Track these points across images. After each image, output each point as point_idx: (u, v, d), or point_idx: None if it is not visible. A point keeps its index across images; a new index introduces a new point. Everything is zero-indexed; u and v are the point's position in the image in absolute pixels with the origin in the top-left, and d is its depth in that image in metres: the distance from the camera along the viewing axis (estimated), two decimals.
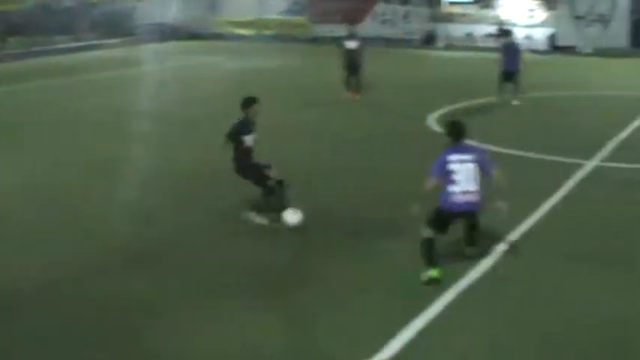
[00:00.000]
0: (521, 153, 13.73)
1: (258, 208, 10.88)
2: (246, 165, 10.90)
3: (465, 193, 8.78)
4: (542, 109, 19.95)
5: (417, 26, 40.30)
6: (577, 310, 7.89)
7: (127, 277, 9.01)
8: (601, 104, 21.06)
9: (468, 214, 8.98)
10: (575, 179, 12.86)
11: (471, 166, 8.84)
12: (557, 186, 12.33)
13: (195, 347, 7.28)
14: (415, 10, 40.78)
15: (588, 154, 14.39)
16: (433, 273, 8.65)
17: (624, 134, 16.59)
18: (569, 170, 13.29)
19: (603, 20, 37.11)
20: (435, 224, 8.83)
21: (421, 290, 8.42)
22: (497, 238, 9.86)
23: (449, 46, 37.59)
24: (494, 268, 9.11)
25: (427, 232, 8.81)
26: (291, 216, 10.62)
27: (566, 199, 11.84)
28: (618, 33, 36.17)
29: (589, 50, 36.69)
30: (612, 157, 14.53)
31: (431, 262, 8.72)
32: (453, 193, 8.78)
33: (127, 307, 8.13)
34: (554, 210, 11.33)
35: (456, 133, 9.10)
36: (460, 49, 35.93)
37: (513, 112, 19.38)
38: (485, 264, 9.18)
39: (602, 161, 14.19)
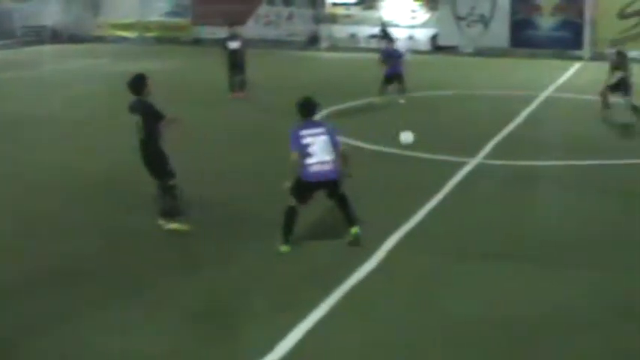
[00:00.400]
0: (404, 152, 13.65)
1: (165, 213, 10.40)
2: (158, 149, 10.14)
3: (322, 163, 9.41)
4: (425, 109, 20.03)
5: (300, 28, 40.20)
6: (462, 310, 7.73)
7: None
8: (483, 103, 21.32)
9: (328, 183, 9.55)
10: (459, 177, 12.82)
11: (323, 137, 9.49)
12: (441, 184, 12.25)
13: None
14: (298, 12, 40.67)
15: (471, 152, 14.42)
16: (284, 248, 9.38)
17: (506, 132, 16.77)
18: (453, 168, 13.26)
19: (484, 21, 37.87)
20: (296, 193, 9.44)
21: (306, 292, 8.16)
22: (381, 238, 9.69)
23: (332, 48, 37.65)
24: (379, 267, 8.90)
25: (290, 201, 9.45)
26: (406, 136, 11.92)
27: (450, 197, 11.76)
28: (499, 33, 36.97)
29: (470, 50, 37.38)
30: (495, 154, 14.60)
31: (286, 233, 9.44)
32: (310, 164, 9.40)
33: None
34: (438, 208, 11.22)
35: (306, 110, 9.75)
36: (344, 51, 36.06)
37: (396, 112, 19.35)
38: (370, 263, 8.97)
39: (485, 159, 14.24)
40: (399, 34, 39.27)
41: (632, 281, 8.54)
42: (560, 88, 23.65)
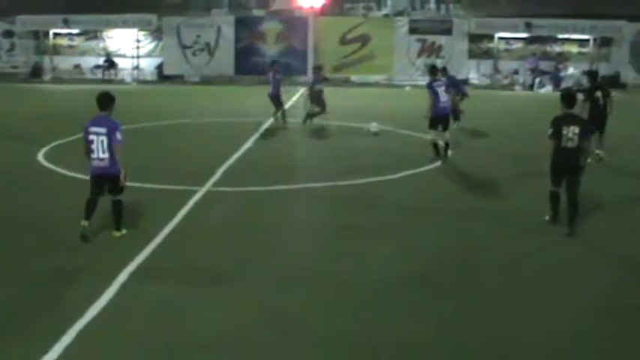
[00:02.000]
0: (134, 184, 13.34)
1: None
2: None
3: (100, 159, 10.51)
4: (153, 139, 19.80)
5: (22, 59, 38.58)
6: (194, 335, 7.61)
7: None
8: (211, 131, 21.46)
9: (104, 178, 10.63)
10: (189, 206, 12.71)
11: (102, 137, 10.47)
12: (172, 214, 12.02)
13: None
14: (20, 43, 38.99)
15: (201, 181, 14.39)
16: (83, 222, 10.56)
17: (235, 158, 16.94)
18: (183, 197, 13.09)
19: (209, 49, 38.29)
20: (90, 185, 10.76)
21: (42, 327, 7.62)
22: (112, 273, 9.32)
23: (56, 79, 36.37)
24: (111, 303, 8.50)
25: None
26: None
27: (181, 226, 11.58)
28: (224, 61, 37.59)
29: (197, 79, 37.66)
30: (224, 181, 14.66)
31: (86, 216, 10.60)
32: (92, 159, 10.56)
33: None
34: (170, 238, 10.98)
35: (99, 104, 10.76)
36: (68, 82, 34.88)
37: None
38: (102, 300, 8.56)
39: (214, 186, 14.25)
40: (124, 64, 38.84)
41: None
42: (287, 114, 24.39)
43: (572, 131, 11.23)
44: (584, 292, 9.01)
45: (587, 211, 12.18)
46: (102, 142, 10.49)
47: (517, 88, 37.38)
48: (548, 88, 36.04)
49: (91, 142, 10.52)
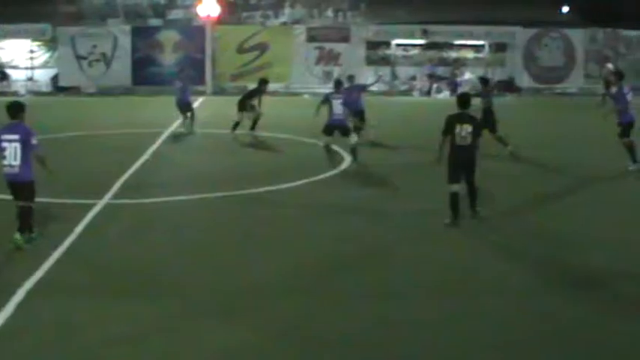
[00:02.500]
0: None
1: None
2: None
3: (11, 166, 10.73)
4: (48, 152, 19.23)
5: None
6: (109, 351, 7.52)
7: None
8: (109, 143, 21.11)
9: (16, 185, 10.88)
10: (87, 219, 12.50)
11: (15, 144, 10.67)
12: (70, 228, 11.84)
13: None
14: None
15: (99, 194, 14.16)
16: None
17: (133, 170, 16.76)
18: (81, 211, 12.87)
19: (106, 59, 37.66)
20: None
21: None
22: (10, 291, 9.08)
23: None
24: (10, 321, 8.32)
25: None
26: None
27: (80, 240, 11.39)
28: (121, 72, 37.04)
29: (93, 90, 36.98)
30: (123, 193, 14.49)
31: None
32: (4, 166, 10.76)
33: None
34: (69, 252, 10.82)
35: (9, 112, 10.96)
36: None
37: None
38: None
39: (113, 199, 14.06)
40: (17, 75, 37.84)
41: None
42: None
43: (465, 129, 11.93)
44: (492, 294, 9.26)
45: (490, 213, 12.68)
46: (15, 148, 10.69)
47: (415, 93, 38.07)
48: (445, 94, 36.79)
49: (4, 149, 10.73)
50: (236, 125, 21.67)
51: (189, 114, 22.68)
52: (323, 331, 8.06)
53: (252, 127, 21.66)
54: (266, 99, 22.40)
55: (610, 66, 37.90)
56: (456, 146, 11.98)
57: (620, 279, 9.90)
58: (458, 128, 11.94)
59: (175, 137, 21.97)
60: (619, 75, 18.37)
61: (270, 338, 7.92)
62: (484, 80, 20.83)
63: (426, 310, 8.72)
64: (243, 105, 21.70)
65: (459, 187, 12.21)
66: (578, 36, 40.93)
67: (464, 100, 12.39)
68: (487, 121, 17.48)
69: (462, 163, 12.07)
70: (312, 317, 8.48)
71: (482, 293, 9.29)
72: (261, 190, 14.89)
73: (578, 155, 18.85)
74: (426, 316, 8.49)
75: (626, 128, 17.07)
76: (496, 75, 39.69)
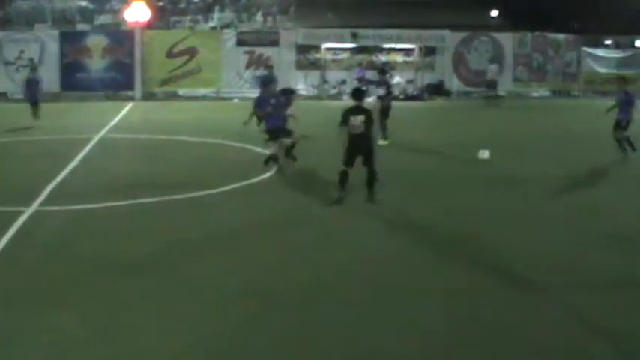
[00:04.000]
0: None
1: None
2: None
3: None
4: None
5: None
6: None
7: None
8: (37, 149, 21.01)
9: None
10: (15, 227, 12.40)
11: None
12: None
13: None
14: None
15: (27, 201, 14.04)
16: None
17: (62, 176, 16.71)
18: (7, 219, 12.76)
19: (33, 65, 37.18)
20: None
21: None
22: None
23: None
24: None
25: None
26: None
27: (8, 249, 11.33)
28: (49, 77, 36.58)
29: (21, 96, 36.45)
30: (51, 200, 14.41)
31: None
32: None
33: None
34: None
35: None
36: None
37: None
38: None
39: (41, 206, 13.98)
40: None
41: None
42: (115, 129, 24.23)
43: (358, 120, 13.64)
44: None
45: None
46: None
47: (345, 97, 38.44)
48: (375, 97, 37.20)
49: None
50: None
51: None
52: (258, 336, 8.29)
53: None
54: (195, 104, 22.49)
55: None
56: (352, 135, 13.67)
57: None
58: (352, 119, 13.60)
59: (104, 143, 21.92)
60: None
61: (195, 343, 8.07)
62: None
63: None
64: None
65: (349, 169, 13.90)
66: (506, 39, 41.98)
67: (357, 94, 14.30)
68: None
69: (357, 149, 13.74)
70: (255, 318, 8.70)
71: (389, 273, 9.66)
72: (191, 195, 14.99)
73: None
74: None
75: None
76: (426, 79, 40.55)
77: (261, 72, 34.24)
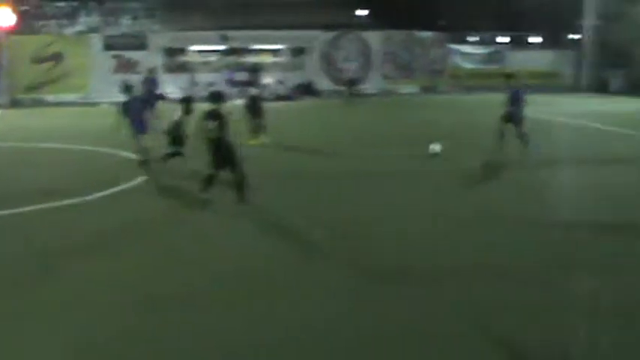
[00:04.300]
0: None
1: None
2: None
3: None
4: None
5: None
6: None
7: None
8: None
9: None
10: None
11: None
12: None
13: None
14: None
15: None
16: None
17: None
18: None
19: None
20: None
21: None
22: None
23: None
24: None
25: None
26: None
27: None
28: None
29: None
30: None
31: None
32: None
33: None
34: None
35: None
36: None
37: None
38: None
39: None
40: None
41: None
42: None
43: (212, 124, 13.99)
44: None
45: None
46: None
47: None
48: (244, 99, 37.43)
49: None
50: None
51: None
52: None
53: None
54: (63, 110, 22.15)
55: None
56: (209, 139, 14.01)
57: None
58: (206, 124, 14.03)
59: None
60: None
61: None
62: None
63: None
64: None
65: (218, 172, 14.18)
66: (374, 38, 42.97)
67: (214, 97, 14.48)
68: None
69: (216, 153, 14.02)
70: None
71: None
72: (58, 204, 14.72)
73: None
74: None
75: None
76: (295, 79, 41.05)
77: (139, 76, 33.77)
